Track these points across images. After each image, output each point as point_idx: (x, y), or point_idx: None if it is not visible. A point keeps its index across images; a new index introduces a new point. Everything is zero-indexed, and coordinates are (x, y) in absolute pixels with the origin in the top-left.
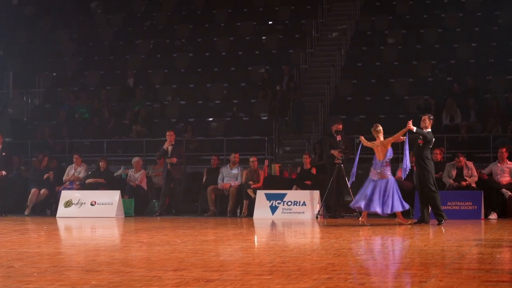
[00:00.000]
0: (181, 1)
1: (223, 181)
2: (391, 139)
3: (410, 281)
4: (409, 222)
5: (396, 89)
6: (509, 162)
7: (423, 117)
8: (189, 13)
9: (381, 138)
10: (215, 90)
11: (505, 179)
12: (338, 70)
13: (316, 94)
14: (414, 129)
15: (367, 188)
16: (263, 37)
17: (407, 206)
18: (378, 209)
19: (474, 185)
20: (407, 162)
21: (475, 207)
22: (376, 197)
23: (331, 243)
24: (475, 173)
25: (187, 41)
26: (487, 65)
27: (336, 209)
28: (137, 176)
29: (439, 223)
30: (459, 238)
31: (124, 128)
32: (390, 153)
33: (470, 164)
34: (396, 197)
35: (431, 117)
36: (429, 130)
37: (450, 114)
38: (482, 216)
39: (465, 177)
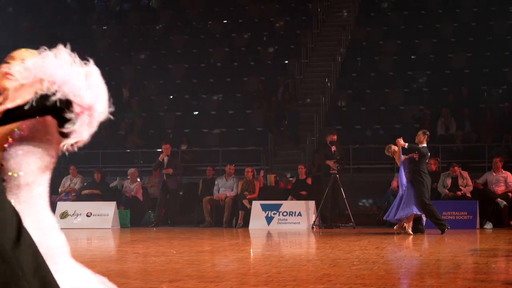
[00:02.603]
0: (177, 12)
1: (218, 191)
2: (397, 161)
3: None
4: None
5: (391, 99)
6: (504, 172)
7: (418, 132)
8: (185, 24)
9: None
10: (211, 101)
11: (500, 188)
12: (333, 81)
13: (311, 105)
14: (406, 145)
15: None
16: (258, 48)
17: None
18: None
19: (469, 194)
20: (403, 179)
21: (470, 217)
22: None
23: (327, 253)
24: (470, 182)
25: (182, 52)
26: (482, 75)
27: (331, 219)
28: (132, 187)
29: (442, 232)
30: (454, 248)
31: (120, 139)
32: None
33: (465, 174)
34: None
35: (426, 132)
36: (424, 145)
37: (445, 124)
38: (477, 225)
39: (460, 187)
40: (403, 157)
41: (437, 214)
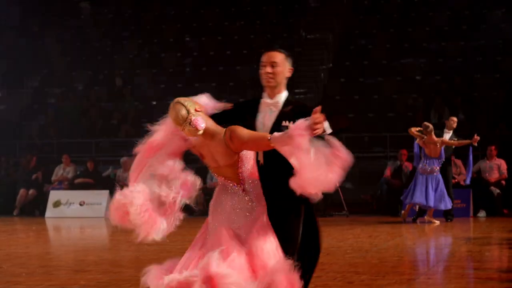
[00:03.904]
0: (169, 1)
1: (212, 180)
2: (449, 142)
3: (399, 279)
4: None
5: (385, 88)
6: (497, 159)
7: (451, 118)
8: (177, 13)
9: (434, 137)
10: (204, 90)
11: (493, 176)
12: (326, 70)
13: (305, 93)
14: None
15: (421, 183)
16: (251, 36)
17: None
18: (431, 204)
19: (462, 183)
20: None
21: (464, 205)
22: (430, 191)
23: None
24: (463, 171)
25: (175, 41)
26: (475, 63)
27: (324, 207)
28: (125, 176)
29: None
30: (448, 236)
31: (113, 128)
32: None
33: (459, 162)
34: (446, 194)
35: (456, 119)
36: (451, 132)
37: (438, 112)
38: (471, 214)
39: (453, 175)
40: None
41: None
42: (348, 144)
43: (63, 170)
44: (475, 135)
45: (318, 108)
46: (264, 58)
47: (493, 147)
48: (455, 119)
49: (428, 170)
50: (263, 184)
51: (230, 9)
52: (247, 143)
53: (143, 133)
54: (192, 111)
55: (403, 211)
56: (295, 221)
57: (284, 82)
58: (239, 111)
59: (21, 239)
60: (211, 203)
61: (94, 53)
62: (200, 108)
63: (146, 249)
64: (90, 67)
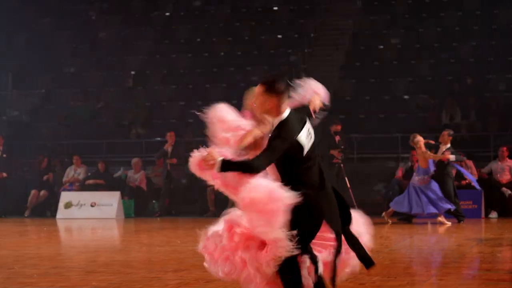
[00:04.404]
0: (180, 1)
1: None
2: (432, 156)
3: (410, 280)
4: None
5: (396, 89)
6: (509, 160)
7: (443, 133)
8: (188, 14)
9: (423, 148)
10: (214, 91)
11: (505, 177)
12: (337, 70)
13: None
14: (453, 157)
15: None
16: (261, 37)
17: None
18: (427, 210)
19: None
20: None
21: (475, 206)
22: (424, 199)
23: None
24: (475, 172)
25: (186, 42)
26: (487, 63)
27: None
28: (136, 177)
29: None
30: (459, 237)
31: (124, 129)
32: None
33: (470, 163)
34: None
35: (451, 133)
36: (449, 145)
37: (450, 113)
38: (483, 215)
39: (465, 176)
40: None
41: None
42: (360, 144)
43: (74, 171)
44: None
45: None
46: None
47: (504, 148)
48: (446, 132)
49: (420, 181)
50: None
51: (241, 10)
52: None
53: (154, 134)
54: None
55: (385, 213)
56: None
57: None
58: None
59: (33, 240)
60: None
61: (105, 54)
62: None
63: (158, 250)
64: (102, 68)
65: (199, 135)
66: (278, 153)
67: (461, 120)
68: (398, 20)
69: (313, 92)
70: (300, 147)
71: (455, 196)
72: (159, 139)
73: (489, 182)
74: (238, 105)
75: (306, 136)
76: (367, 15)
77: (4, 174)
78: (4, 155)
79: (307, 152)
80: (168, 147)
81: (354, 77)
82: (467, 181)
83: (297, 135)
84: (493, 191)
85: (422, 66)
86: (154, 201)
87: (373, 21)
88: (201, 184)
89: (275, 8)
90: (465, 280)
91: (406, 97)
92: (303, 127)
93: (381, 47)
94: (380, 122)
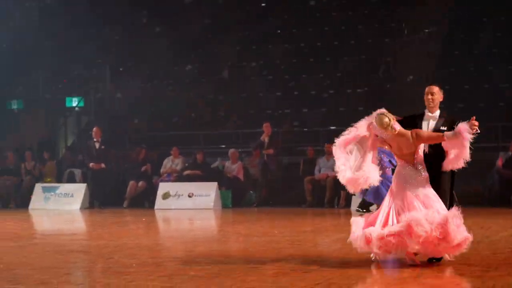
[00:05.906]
0: None
1: (319, 171)
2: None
3: (511, 271)
4: None
5: (495, 77)
6: None
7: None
8: (283, 4)
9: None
10: (310, 81)
11: None
12: (433, 58)
13: (411, 84)
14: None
15: None
16: (358, 27)
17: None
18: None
19: None
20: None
21: None
22: None
23: None
24: None
25: (281, 32)
26: None
27: None
28: (233, 167)
29: None
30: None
31: (221, 120)
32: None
33: None
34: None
35: None
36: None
37: None
38: None
39: None
40: None
41: None
42: None
43: (172, 162)
44: None
45: (474, 117)
46: (427, 89)
47: None
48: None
49: None
50: (427, 163)
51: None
52: (427, 140)
53: (251, 124)
54: (392, 120)
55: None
56: (448, 184)
57: (438, 104)
58: (411, 120)
59: (132, 230)
60: (394, 177)
61: (200, 46)
62: (394, 118)
63: (255, 241)
64: (197, 60)
65: (296, 126)
66: None
67: None
68: (495, 6)
69: None
70: None
71: None
72: (259, 130)
73: None
74: (335, 95)
75: None
76: (463, 3)
77: (103, 165)
78: (103, 147)
79: None
80: (265, 138)
81: (452, 66)
82: None
83: None
84: None
85: None
86: (251, 192)
87: (469, 9)
88: (298, 175)
89: None
90: None
91: (505, 85)
92: None
93: (481, 35)
94: (479, 112)
